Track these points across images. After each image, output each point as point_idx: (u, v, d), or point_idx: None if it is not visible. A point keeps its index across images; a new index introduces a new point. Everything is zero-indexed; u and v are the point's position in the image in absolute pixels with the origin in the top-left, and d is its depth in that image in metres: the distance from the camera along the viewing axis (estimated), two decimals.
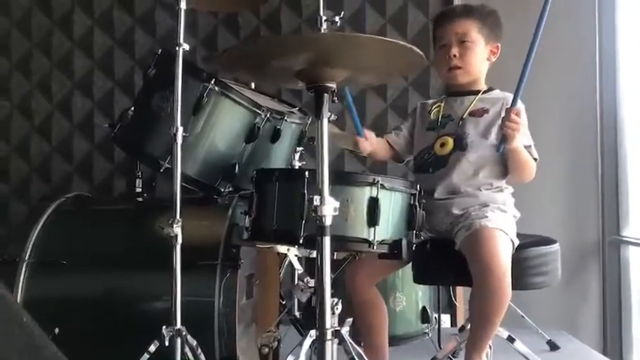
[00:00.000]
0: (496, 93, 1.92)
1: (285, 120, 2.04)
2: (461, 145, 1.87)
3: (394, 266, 2.00)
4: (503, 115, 1.76)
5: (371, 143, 1.92)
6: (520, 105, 1.78)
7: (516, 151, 1.77)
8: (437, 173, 1.88)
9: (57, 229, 2.01)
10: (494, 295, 1.60)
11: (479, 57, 1.89)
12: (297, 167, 2.35)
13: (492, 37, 1.91)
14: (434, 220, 1.85)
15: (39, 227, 1.99)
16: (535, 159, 1.84)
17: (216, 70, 2.31)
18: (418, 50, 1.33)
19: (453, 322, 2.91)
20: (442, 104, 1.97)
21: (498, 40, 1.92)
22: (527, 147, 1.82)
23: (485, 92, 1.93)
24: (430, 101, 2.06)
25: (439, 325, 2.54)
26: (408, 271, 1.92)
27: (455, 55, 1.87)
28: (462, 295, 2.86)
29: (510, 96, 1.83)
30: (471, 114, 1.90)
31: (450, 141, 1.88)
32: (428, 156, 1.93)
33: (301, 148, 2.39)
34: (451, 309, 2.91)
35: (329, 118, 2.41)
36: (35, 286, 1.91)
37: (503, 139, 1.75)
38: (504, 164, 1.86)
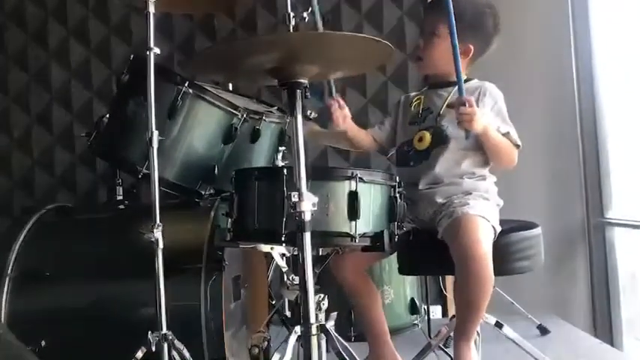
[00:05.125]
0: (473, 82, 1.88)
1: (264, 120, 2.03)
2: (441, 139, 1.85)
3: (379, 256, 2.00)
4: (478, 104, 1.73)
5: (345, 116, 1.87)
6: (490, 94, 1.80)
7: (485, 135, 1.75)
8: (419, 167, 1.87)
9: (39, 241, 1.99)
10: (476, 279, 1.60)
11: (443, 53, 1.82)
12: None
13: (466, 37, 1.81)
14: (417, 210, 1.85)
15: (20, 240, 1.97)
16: (517, 145, 1.82)
17: (194, 73, 2.30)
18: (383, 40, 1.34)
19: (444, 313, 2.92)
20: (422, 97, 1.96)
21: (475, 42, 1.85)
22: (506, 134, 1.80)
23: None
24: (413, 94, 2.04)
25: (428, 316, 2.54)
26: (394, 264, 1.92)
27: (419, 46, 1.88)
28: (451, 285, 2.86)
29: (488, 84, 1.85)
30: (450, 106, 1.85)
31: (427, 135, 1.86)
32: (408, 149, 1.92)
33: (283, 148, 2.39)
34: (442, 300, 2.92)
35: (309, 116, 2.44)
36: (20, 299, 1.89)
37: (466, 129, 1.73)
38: (486, 153, 1.84)
